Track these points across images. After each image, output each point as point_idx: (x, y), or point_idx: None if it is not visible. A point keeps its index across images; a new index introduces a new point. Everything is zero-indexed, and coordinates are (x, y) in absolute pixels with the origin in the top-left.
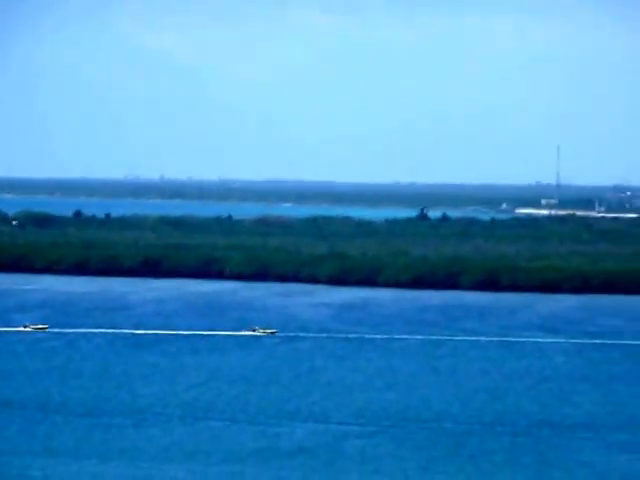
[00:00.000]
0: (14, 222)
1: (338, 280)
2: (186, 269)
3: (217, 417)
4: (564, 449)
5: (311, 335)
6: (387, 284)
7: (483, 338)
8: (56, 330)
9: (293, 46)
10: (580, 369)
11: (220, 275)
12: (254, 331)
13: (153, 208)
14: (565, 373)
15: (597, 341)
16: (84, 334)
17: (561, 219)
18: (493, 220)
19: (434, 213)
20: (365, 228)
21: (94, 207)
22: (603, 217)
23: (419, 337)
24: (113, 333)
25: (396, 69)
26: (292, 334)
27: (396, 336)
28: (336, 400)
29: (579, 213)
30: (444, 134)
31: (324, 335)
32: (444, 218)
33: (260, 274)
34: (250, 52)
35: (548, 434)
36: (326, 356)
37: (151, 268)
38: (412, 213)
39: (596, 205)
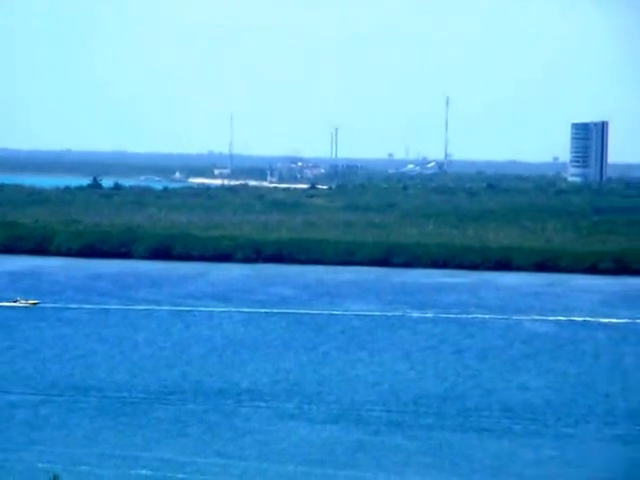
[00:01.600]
0: None
1: (8, 249)
2: None
3: None
4: (233, 417)
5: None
6: (59, 253)
7: (155, 307)
8: None
9: None
10: (250, 337)
11: None
12: (16, 302)
13: None
14: (236, 341)
15: (267, 310)
16: None
17: (234, 189)
18: (166, 189)
19: (107, 182)
20: (36, 196)
21: None
22: (275, 187)
23: (89, 306)
24: None
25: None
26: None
27: (67, 305)
28: (3, 369)
29: (251, 183)
30: (112, 101)
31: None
32: (117, 187)
33: None
34: None
35: (217, 402)
36: None
37: None
38: (85, 181)
39: (268, 175)
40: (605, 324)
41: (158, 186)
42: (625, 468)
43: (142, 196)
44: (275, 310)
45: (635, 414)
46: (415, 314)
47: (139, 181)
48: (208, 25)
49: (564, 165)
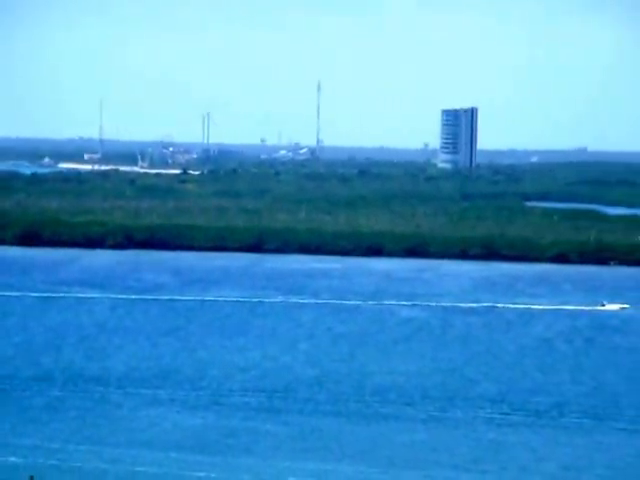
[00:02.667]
0: None
1: None
2: None
3: None
4: (103, 403)
5: None
6: None
7: (25, 293)
8: None
9: None
10: (121, 324)
11: None
12: None
13: None
14: (107, 328)
15: (139, 296)
16: None
17: (104, 174)
18: (35, 174)
19: None
20: None
21: None
22: (146, 173)
23: None
24: None
25: None
26: None
27: None
28: None
29: (122, 168)
30: None
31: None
32: None
33: None
34: None
35: (88, 389)
36: None
37: None
38: None
39: (139, 160)
40: (473, 309)
41: (27, 171)
42: (492, 452)
43: (10, 181)
44: (147, 296)
45: (500, 398)
46: (287, 300)
47: (7, 166)
48: (81, 12)
49: (434, 151)
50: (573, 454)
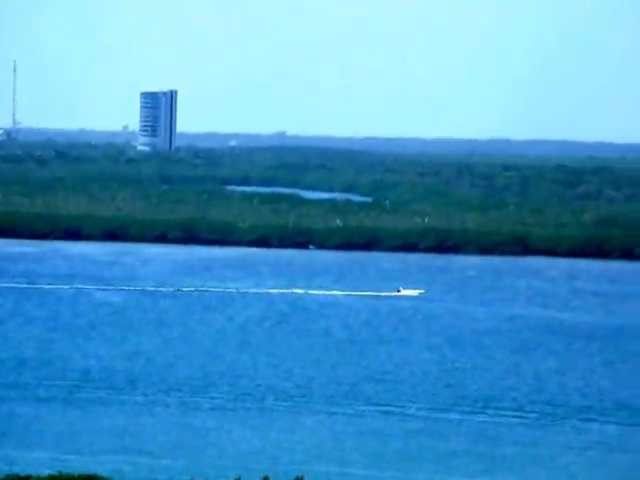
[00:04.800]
0: None
1: None
2: None
3: None
4: None
5: None
6: None
7: None
8: None
9: None
10: None
11: None
12: None
13: None
14: None
15: None
16: None
17: None
18: None
19: None
20: None
21: None
22: None
23: None
24: None
25: None
26: None
27: None
28: None
29: None
30: None
31: None
32: None
33: None
34: None
35: None
36: None
37: None
38: None
39: None
40: (171, 293)
41: None
42: (190, 437)
43: None
44: None
45: (195, 382)
46: None
47: None
48: None
49: (134, 134)
50: (268, 436)
